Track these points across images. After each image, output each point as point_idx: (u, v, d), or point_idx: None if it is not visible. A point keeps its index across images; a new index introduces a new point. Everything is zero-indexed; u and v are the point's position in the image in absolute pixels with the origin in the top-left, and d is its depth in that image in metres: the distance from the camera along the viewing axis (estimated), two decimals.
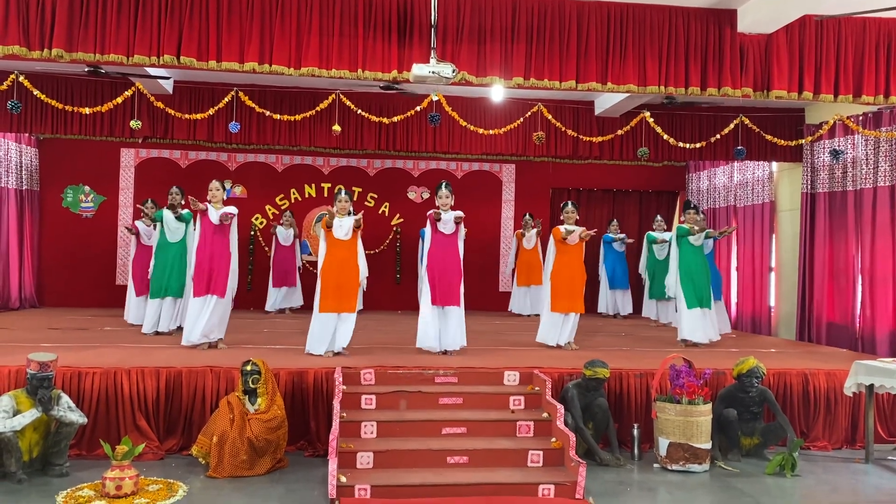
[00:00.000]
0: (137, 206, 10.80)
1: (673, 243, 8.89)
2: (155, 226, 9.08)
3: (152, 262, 8.86)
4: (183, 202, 8.80)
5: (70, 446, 5.69)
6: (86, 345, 7.60)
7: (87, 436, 5.99)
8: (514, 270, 12.86)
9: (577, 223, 8.29)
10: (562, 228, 8.18)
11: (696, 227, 8.63)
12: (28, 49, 6.56)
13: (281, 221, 12.31)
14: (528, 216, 12.60)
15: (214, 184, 7.69)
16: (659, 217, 11.78)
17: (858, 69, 7.50)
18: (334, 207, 7.47)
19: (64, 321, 10.05)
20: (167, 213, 8.68)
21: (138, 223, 9.79)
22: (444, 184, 7.57)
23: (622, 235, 12.77)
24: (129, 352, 7.17)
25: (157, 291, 8.61)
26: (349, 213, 7.44)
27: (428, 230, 7.65)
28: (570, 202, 8.42)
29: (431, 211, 7.54)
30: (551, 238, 8.31)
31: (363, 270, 7.40)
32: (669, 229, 11.72)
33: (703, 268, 8.67)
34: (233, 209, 7.60)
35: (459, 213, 7.56)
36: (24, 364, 5.59)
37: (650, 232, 11.56)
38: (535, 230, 12.25)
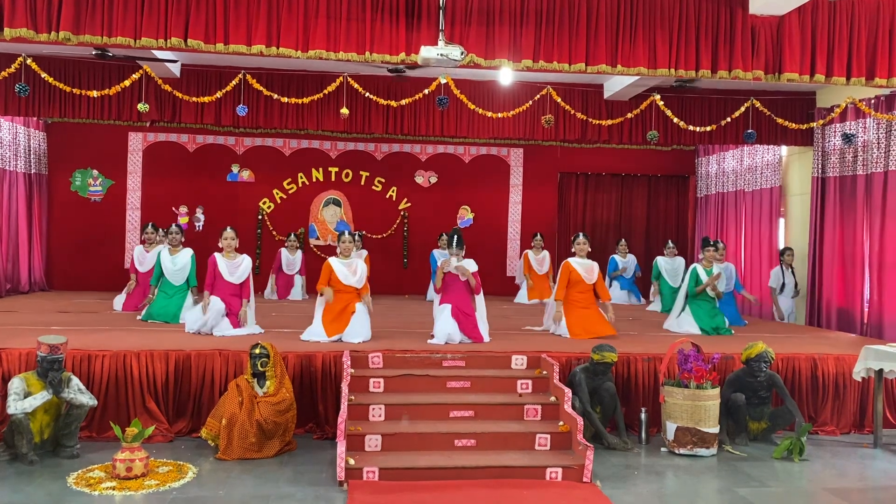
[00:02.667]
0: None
1: (683, 289, 8.69)
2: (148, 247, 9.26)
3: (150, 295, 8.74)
4: (182, 239, 8.74)
5: (80, 428, 5.74)
6: (95, 328, 7.64)
7: (98, 418, 6.04)
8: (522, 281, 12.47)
9: (588, 256, 8.02)
10: (573, 263, 7.87)
11: (711, 277, 8.46)
12: (35, 32, 6.54)
13: (286, 244, 11.99)
14: (538, 236, 12.28)
15: (229, 232, 7.65)
16: (670, 243, 11.32)
17: (871, 51, 7.41)
18: (338, 249, 7.39)
19: (73, 304, 10.11)
20: (165, 255, 8.57)
21: (137, 249, 9.75)
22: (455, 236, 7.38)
23: (630, 258, 12.37)
24: (139, 335, 7.20)
25: (149, 316, 8.42)
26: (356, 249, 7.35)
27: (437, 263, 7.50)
28: (581, 234, 8.12)
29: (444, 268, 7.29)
30: (561, 271, 7.98)
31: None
32: (679, 254, 11.48)
33: (714, 310, 8.57)
34: (247, 267, 7.62)
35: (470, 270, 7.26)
36: (35, 347, 5.64)
37: (659, 258, 11.10)
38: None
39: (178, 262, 8.55)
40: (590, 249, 8.05)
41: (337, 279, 7.21)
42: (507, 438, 5.64)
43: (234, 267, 7.61)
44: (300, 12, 6.81)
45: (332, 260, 7.35)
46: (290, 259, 11.86)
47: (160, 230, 9.82)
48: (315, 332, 7.10)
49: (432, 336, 7.14)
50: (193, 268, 8.56)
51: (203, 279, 7.75)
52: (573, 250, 8.07)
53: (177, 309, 8.36)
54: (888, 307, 8.89)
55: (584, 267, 7.93)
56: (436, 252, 11.94)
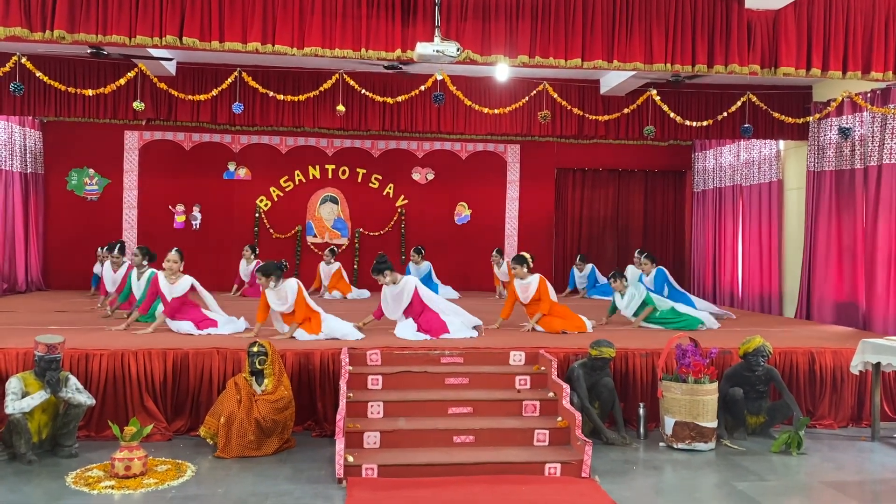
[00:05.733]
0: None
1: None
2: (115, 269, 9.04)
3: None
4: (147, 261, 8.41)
5: (79, 427, 5.73)
6: (92, 327, 7.63)
7: (96, 417, 6.04)
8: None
9: (531, 272, 8.05)
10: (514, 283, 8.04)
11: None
12: (30, 30, 6.51)
13: (243, 256, 11.80)
14: (495, 253, 12.29)
15: (172, 255, 7.48)
16: (643, 257, 10.01)
17: (868, 45, 7.40)
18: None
19: (70, 304, 10.09)
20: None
21: (98, 267, 9.42)
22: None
23: (587, 268, 12.36)
24: (136, 334, 7.19)
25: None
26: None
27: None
28: (514, 257, 8.17)
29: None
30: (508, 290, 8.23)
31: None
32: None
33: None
34: (185, 285, 7.40)
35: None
36: (32, 346, 5.63)
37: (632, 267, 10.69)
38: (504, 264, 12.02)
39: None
40: (526, 271, 7.99)
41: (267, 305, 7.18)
42: (505, 434, 5.65)
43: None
44: (295, 9, 6.79)
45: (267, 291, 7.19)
46: (246, 269, 11.67)
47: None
48: (299, 331, 7.14)
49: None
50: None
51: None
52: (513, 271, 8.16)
53: (152, 308, 8.18)
54: (884, 300, 8.90)
55: (521, 286, 8.02)
56: (410, 265, 11.98)
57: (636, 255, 10.95)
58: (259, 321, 7.24)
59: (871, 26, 7.39)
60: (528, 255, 8.13)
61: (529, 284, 7.98)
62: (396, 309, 7.41)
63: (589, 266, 12.56)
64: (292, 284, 7.12)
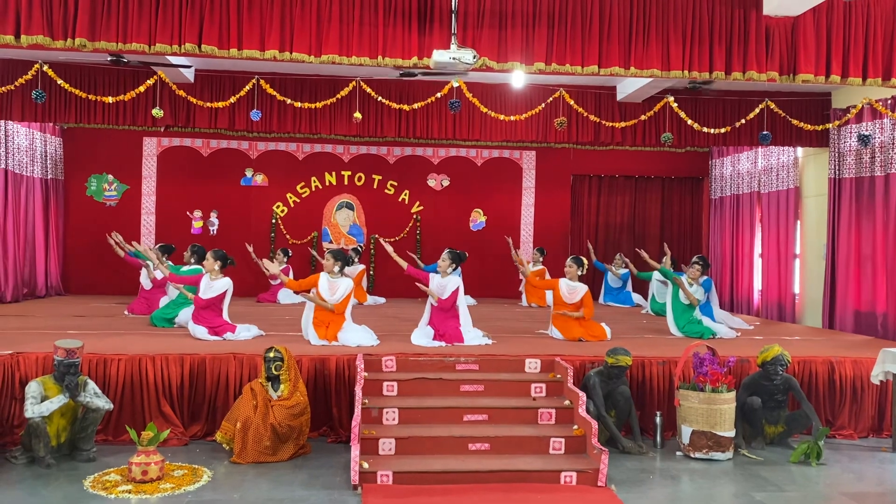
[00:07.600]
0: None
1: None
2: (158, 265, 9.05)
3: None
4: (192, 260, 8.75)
5: (97, 432, 5.77)
6: (111, 332, 7.70)
7: (113, 422, 6.08)
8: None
9: (581, 279, 8.08)
10: (560, 283, 8.06)
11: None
12: (52, 38, 6.61)
13: (273, 259, 11.84)
14: (536, 251, 12.36)
15: (207, 254, 7.75)
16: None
17: (888, 51, 7.34)
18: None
19: (89, 309, 10.18)
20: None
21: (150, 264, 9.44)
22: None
23: (623, 273, 12.32)
24: (154, 339, 7.25)
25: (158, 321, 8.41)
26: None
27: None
28: (571, 257, 8.19)
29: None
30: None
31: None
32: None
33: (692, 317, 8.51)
34: (220, 287, 7.57)
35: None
36: (52, 351, 5.68)
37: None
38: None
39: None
40: (581, 273, 8.04)
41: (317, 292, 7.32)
42: (521, 442, 5.63)
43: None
44: (313, 17, 6.84)
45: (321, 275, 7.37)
46: (275, 270, 11.75)
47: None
48: (307, 332, 7.19)
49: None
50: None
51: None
52: (565, 271, 8.16)
53: (173, 315, 8.38)
54: None
55: (567, 287, 8.02)
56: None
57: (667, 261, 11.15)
58: (290, 284, 7.54)
59: (892, 32, 7.33)
60: (585, 262, 8.23)
61: (577, 290, 8.01)
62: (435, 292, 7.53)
63: (626, 271, 12.46)
64: (348, 283, 7.32)
